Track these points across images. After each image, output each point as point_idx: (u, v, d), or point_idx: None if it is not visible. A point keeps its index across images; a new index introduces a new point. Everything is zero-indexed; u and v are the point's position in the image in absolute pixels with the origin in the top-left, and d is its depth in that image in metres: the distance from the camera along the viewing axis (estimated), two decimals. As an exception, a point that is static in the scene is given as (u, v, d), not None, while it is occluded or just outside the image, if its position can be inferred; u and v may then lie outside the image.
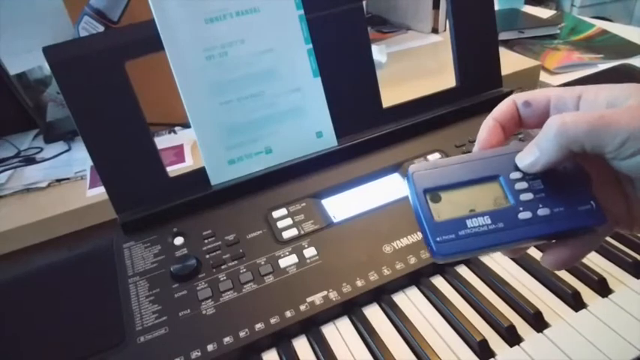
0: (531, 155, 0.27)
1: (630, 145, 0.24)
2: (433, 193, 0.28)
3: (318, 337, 0.45)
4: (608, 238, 0.50)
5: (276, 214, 0.55)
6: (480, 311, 0.45)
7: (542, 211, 0.27)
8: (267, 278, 0.48)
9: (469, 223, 0.27)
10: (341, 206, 0.56)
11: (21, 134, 0.85)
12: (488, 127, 0.30)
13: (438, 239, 0.27)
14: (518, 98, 0.30)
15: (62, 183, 0.69)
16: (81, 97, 0.51)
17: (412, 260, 0.49)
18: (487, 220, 0.27)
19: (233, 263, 0.50)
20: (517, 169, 0.28)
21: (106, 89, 0.52)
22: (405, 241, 0.51)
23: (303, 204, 0.56)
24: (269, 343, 0.45)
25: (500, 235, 0.27)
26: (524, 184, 0.28)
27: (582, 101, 0.28)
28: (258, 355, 0.44)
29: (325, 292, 0.47)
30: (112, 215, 0.55)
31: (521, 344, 0.42)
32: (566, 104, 0.29)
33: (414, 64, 0.93)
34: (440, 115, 0.64)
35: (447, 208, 0.28)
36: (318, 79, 0.59)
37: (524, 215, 0.27)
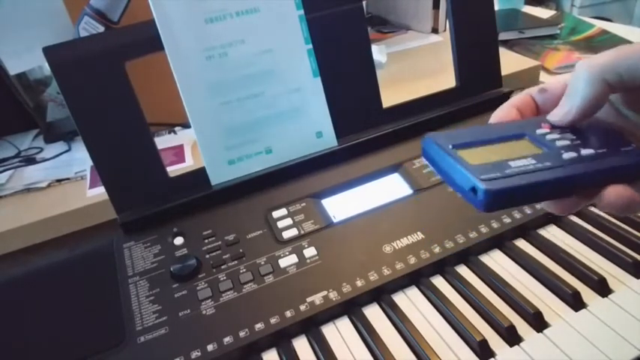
0: (564, 103, 0.25)
1: None
2: (462, 147, 0.26)
3: (318, 337, 0.45)
4: (608, 238, 0.50)
5: (276, 214, 0.55)
6: (480, 311, 0.45)
7: (586, 152, 0.25)
8: (267, 278, 0.48)
9: (512, 164, 0.24)
10: (341, 206, 0.56)
11: (21, 134, 0.85)
12: (504, 109, 0.29)
13: (483, 177, 0.23)
14: (532, 89, 0.30)
15: (62, 183, 0.69)
16: (81, 97, 0.51)
17: (412, 260, 0.49)
18: (531, 160, 0.24)
19: (233, 263, 0.50)
20: (543, 127, 0.26)
21: (106, 89, 0.52)
22: (405, 241, 0.51)
23: (303, 204, 0.56)
24: (269, 343, 0.45)
25: (552, 172, 0.24)
26: (555, 135, 0.26)
27: None
28: (258, 355, 0.44)
29: (325, 292, 0.47)
30: (112, 215, 0.55)
31: (521, 344, 0.42)
32: None
33: (414, 64, 0.93)
34: (440, 115, 0.64)
35: (481, 157, 0.25)
36: (318, 79, 0.59)
37: (569, 155, 0.24)
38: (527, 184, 0.23)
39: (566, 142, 0.26)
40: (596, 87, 0.24)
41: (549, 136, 0.26)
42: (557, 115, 0.26)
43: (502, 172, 0.23)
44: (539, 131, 0.27)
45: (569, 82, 0.25)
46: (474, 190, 0.23)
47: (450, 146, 0.26)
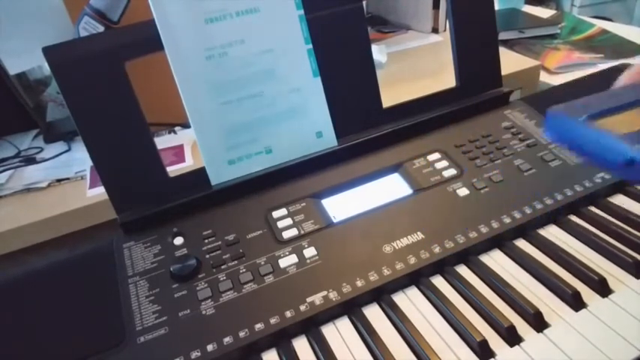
0: None
1: None
2: (597, 117, 0.23)
3: (318, 337, 0.45)
4: (608, 238, 0.50)
5: (276, 214, 0.55)
6: (480, 311, 0.45)
7: None
8: (267, 278, 0.48)
9: None
10: (341, 206, 0.56)
11: (21, 134, 0.85)
12: None
13: (637, 146, 0.22)
14: None
15: (62, 183, 0.69)
16: (81, 97, 0.51)
17: (412, 260, 0.49)
18: None
19: (233, 263, 0.50)
20: None
21: (106, 89, 0.52)
22: (405, 241, 0.51)
23: (303, 204, 0.56)
24: (269, 343, 0.45)
25: None
26: None
27: None
28: (258, 355, 0.44)
29: (325, 292, 0.47)
30: (112, 215, 0.55)
31: (521, 344, 0.42)
32: None
33: (414, 64, 0.93)
34: (440, 115, 0.64)
35: (622, 126, 0.23)
36: (318, 79, 0.59)
37: None
38: None
39: None
40: None
41: None
42: None
43: None
44: None
45: None
46: (632, 161, 0.22)
47: (585, 117, 0.24)
